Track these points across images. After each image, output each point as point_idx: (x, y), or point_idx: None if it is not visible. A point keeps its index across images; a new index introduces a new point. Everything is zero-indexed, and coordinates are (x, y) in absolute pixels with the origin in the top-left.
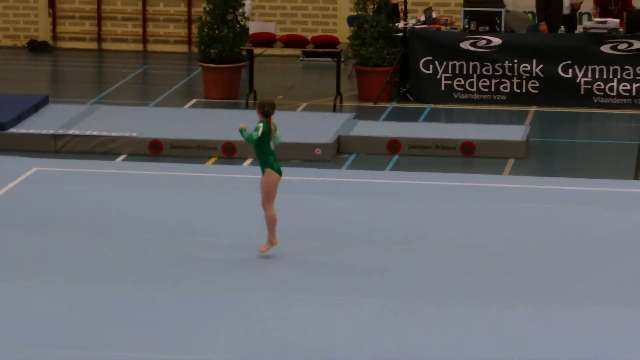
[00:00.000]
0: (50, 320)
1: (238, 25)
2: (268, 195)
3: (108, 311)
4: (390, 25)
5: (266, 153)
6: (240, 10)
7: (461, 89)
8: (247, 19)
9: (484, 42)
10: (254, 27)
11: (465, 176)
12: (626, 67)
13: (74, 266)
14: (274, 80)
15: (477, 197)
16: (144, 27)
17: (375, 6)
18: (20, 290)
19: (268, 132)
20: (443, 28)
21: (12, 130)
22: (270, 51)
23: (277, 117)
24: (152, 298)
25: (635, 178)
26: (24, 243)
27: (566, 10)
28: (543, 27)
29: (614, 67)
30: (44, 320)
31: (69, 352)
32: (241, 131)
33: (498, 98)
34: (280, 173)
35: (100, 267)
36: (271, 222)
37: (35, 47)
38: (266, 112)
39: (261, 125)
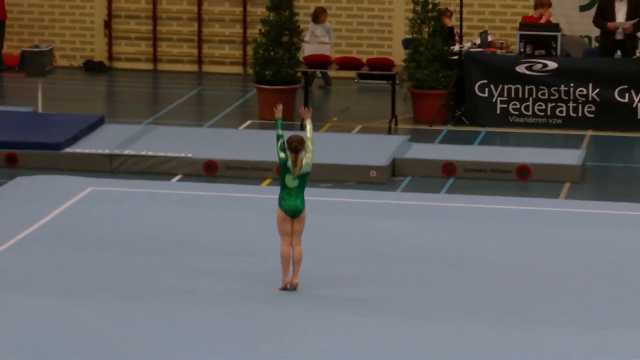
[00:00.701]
0: (103, 339)
1: (293, 47)
2: (279, 231)
3: (161, 330)
4: (446, 48)
5: (282, 186)
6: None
7: (517, 113)
8: (304, 41)
9: (540, 65)
10: (309, 49)
11: (521, 200)
12: None
13: (127, 286)
14: (328, 102)
15: (533, 221)
16: (199, 48)
17: (431, 29)
18: (73, 309)
19: (285, 164)
20: (499, 51)
21: (68, 150)
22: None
23: (333, 139)
24: (206, 318)
25: None
26: (78, 262)
27: (619, 36)
28: (611, 24)
29: None
30: (96, 339)
31: None
32: (277, 120)
33: (554, 122)
34: (286, 211)
35: (154, 287)
36: (282, 259)
37: (91, 67)
38: (294, 147)
39: (283, 151)
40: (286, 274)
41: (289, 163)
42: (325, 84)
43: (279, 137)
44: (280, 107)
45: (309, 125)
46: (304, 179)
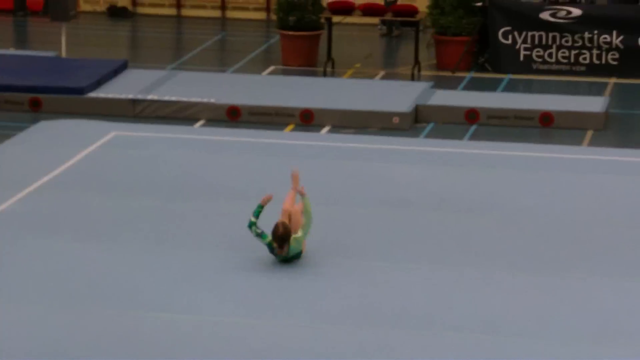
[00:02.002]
0: (128, 283)
1: None
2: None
3: (184, 275)
4: None
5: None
6: None
7: (540, 60)
8: None
9: (564, 12)
10: None
11: (543, 147)
12: None
13: (150, 230)
14: (352, 49)
15: (555, 168)
16: None
17: None
18: (97, 253)
19: (268, 244)
20: None
21: (92, 94)
22: (349, 19)
23: (356, 85)
24: (229, 263)
25: None
26: (101, 206)
27: None
28: None
29: None
30: (121, 282)
31: (146, 314)
32: (257, 207)
33: (577, 69)
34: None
35: (176, 232)
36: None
37: (115, 12)
38: (277, 240)
39: (258, 235)
40: None
41: (273, 246)
42: (396, 31)
43: (251, 224)
44: (269, 197)
45: (305, 202)
46: (294, 253)
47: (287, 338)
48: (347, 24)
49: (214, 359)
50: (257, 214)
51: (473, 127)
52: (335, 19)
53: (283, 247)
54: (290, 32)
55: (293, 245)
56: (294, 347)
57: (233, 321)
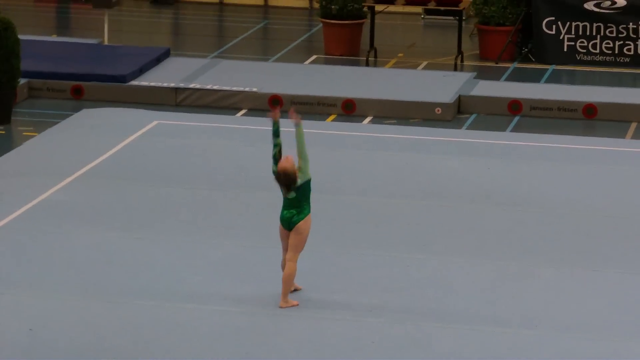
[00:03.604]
0: (169, 273)
1: None
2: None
3: (224, 265)
4: None
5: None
6: None
7: (584, 51)
8: None
9: (609, 3)
10: None
11: (587, 139)
12: None
13: (190, 220)
14: (394, 38)
15: (599, 161)
16: None
17: None
18: (137, 242)
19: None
20: None
21: (134, 82)
22: (391, 8)
23: (398, 75)
24: (268, 253)
25: None
26: (143, 195)
27: None
28: None
29: None
30: (162, 272)
31: (185, 305)
32: (274, 125)
33: (621, 60)
34: (281, 221)
35: (217, 222)
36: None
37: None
38: (282, 182)
39: (276, 163)
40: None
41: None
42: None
43: (275, 145)
44: (277, 111)
45: (299, 131)
46: (304, 189)
47: (323, 329)
48: (390, 12)
49: (252, 350)
50: (276, 132)
51: (516, 119)
52: (378, 7)
53: (290, 189)
54: (333, 21)
55: (300, 179)
56: (332, 339)
57: (271, 312)
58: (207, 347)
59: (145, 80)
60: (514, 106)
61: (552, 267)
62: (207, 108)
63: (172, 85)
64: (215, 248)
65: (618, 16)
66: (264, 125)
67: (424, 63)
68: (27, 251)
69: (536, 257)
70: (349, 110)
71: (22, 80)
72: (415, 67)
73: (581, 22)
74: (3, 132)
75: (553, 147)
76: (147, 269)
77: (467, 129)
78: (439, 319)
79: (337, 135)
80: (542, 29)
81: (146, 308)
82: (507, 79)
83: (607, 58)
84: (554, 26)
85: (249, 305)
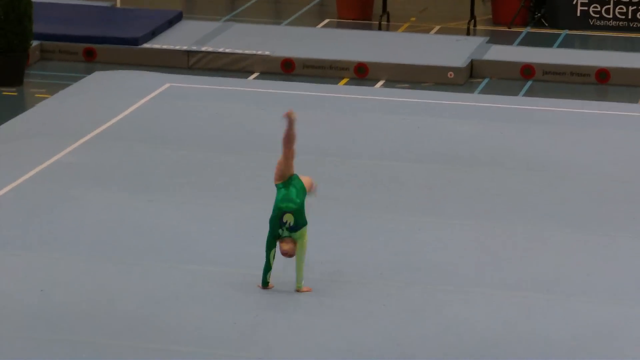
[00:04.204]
0: (180, 235)
1: None
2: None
3: (237, 228)
4: None
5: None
6: None
7: (597, 15)
8: None
9: None
10: None
11: (600, 104)
12: None
13: (202, 182)
14: (407, 2)
15: (611, 125)
16: None
17: None
18: (150, 204)
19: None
20: None
21: (146, 45)
22: None
23: (411, 39)
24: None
25: None
26: (154, 158)
27: None
28: None
29: None
30: (173, 235)
31: (200, 268)
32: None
33: (635, 25)
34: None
35: (228, 184)
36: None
37: None
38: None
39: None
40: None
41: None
42: None
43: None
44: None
45: (302, 242)
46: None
47: (334, 292)
48: None
49: (262, 312)
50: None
51: (528, 83)
52: None
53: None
54: None
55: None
56: (342, 301)
57: (283, 273)
58: (218, 309)
59: (157, 43)
60: (527, 70)
61: (563, 232)
62: (219, 71)
63: (185, 48)
64: (228, 210)
65: None
66: (276, 88)
67: (437, 27)
68: (39, 213)
69: (547, 222)
70: (362, 74)
71: (35, 43)
72: (427, 31)
73: None
74: (15, 94)
75: (565, 111)
76: (159, 231)
77: (479, 93)
78: (450, 283)
79: (349, 99)
80: None
81: (157, 270)
82: (519, 44)
83: (621, 23)
84: None
85: (261, 267)
